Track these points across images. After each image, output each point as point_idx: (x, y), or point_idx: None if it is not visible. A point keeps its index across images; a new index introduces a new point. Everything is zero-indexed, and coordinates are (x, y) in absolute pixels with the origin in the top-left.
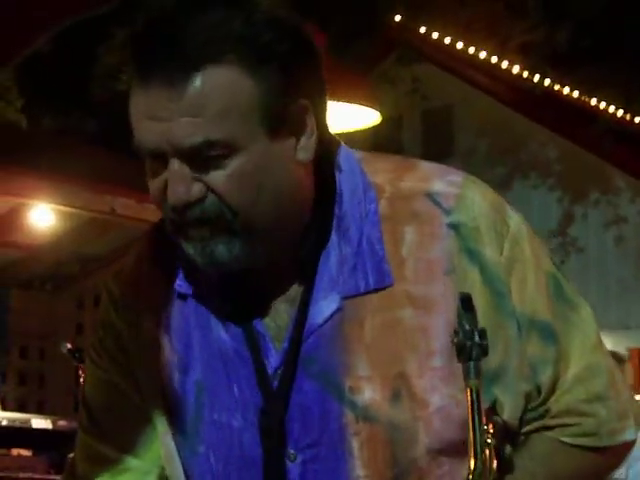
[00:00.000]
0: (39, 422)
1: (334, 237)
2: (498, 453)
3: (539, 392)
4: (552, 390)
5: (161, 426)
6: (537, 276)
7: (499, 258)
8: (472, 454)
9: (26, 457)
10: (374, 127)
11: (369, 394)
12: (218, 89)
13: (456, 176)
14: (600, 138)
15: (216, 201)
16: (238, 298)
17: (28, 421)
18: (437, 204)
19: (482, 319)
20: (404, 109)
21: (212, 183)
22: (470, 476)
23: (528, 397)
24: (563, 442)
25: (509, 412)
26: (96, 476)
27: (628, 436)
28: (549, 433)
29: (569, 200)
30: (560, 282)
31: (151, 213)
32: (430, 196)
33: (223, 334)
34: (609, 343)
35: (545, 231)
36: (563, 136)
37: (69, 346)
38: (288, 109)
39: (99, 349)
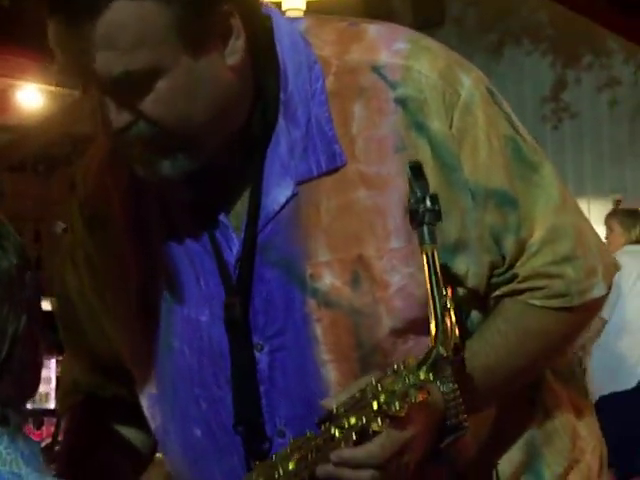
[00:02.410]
0: None
1: (282, 122)
2: (462, 318)
3: (504, 259)
4: (518, 255)
5: (127, 332)
6: (491, 143)
7: (448, 131)
8: (432, 318)
9: None
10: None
11: (329, 280)
12: (128, 18)
13: (403, 43)
14: (591, 0)
15: (149, 125)
16: (198, 193)
17: None
18: (383, 78)
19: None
20: None
21: (141, 108)
22: (433, 339)
23: (492, 266)
24: (533, 305)
25: (473, 280)
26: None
27: (597, 292)
28: (519, 297)
29: (562, 65)
30: (519, 144)
31: None
32: (376, 69)
33: (188, 229)
34: (604, 208)
35: (538, 97)
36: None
37: (63, 226)
38: (209, 21)
39: (67, 260)
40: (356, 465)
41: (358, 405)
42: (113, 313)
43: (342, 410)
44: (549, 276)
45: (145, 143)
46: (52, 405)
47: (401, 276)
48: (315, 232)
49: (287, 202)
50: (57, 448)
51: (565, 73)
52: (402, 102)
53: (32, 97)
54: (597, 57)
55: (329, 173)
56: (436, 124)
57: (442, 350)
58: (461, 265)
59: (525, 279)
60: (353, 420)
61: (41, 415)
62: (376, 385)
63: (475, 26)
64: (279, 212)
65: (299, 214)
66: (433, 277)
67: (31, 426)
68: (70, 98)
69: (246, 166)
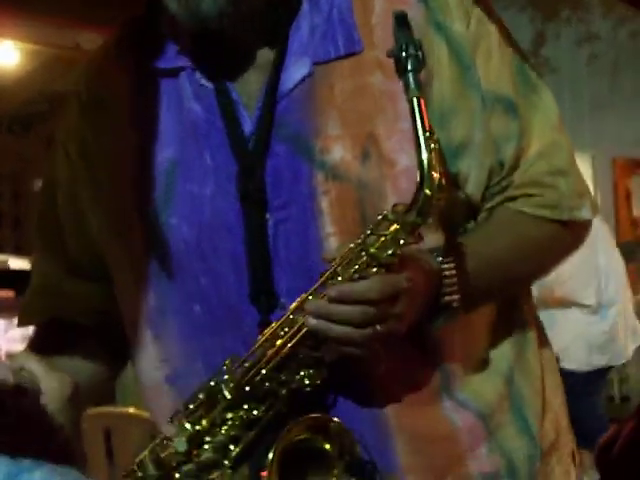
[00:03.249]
0: (17, 263)
1: (305, 6)
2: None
3: (502, 167)
4: (515, 165)
5: (120, 219)
6: (502, 54)
7: (466, 32)
8: (418, 160)
9: (7, 298)
10: None
11: (339, 153)
12: None
13: None
14: None
15: None
16: (210, 68)
17: (6, 262)
18: None
19: (447, 90)
20: None
21: None
22: (419, 182)
23: (491, 172)
24: (525, 213)
25: (473, 186)
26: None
27: (585, 213)
28: (512, 204)
29: (541, 19)
30: (523, 65)
31: None
32: None
33: (195, 106)
34: (585, 161)
35: None
36: None
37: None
38: None
39: (60, 151)
40: (352, 299)
41: (354, 257)
42: (106, 202)
43: (340, 265)
44: (543, 185)
45: None
46: None
47: (408, 157)
48: (328, 109)
49: (303, 80)
50: None
51: (544, 28)
52: (424, 1)
53: (6, 55)
54: (575, 11)
55: (346, 57)
56: (456, 25)
57: (428, 191)
58: (464, 167)
59: (519, 186)
60: (349, 273)
61: None
62: (368, 235)
63: None
64: (294, 89)
65: (313, 93)
66: (419, 121)
67: None
68: (45, 55)
69: (266, 45)
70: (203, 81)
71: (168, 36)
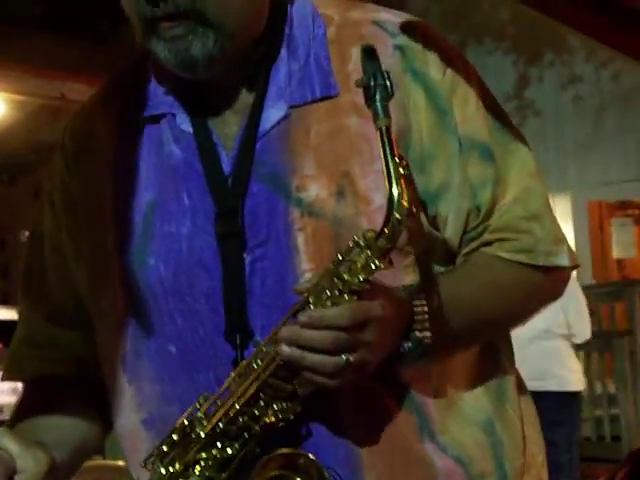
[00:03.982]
0: (4, 313)
1: (284, 53)
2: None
3: (479, 211)
4: (491, 210)
5: (98, 265)
6: (478, 101)
7: (442, 79)
8: (388, 185)
9: None
10: None
11: (315, 190)
12: None
13: (403, 13)
14: None
15: None
16: (190, 111)
17: None
18: (384, 29)
19: (426, 135)
20: None
21: None
22: (387, 208)
23: (469, 216)
24: (501, 258)
25: (451, 229)
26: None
27: (562, 260)
28: (488, 249)
29: (524, 63)
30: (501, 114)
31: None
32: (377, 23)
33: (175, 150)
34: (569, 201)
35: (502, 95)
36: None
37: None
38: None
39: (46, 202)
40: (323, 325)
41: (326, 284)
42: (88, 251)
43: (312, 293)
44: (518, 230)
45: (179, 15)
46: None
47: (384, 195)
48: (304, 150)
49: (279, 122)
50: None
51: (528, 71)
52: (401, 49)
53: None
54: (559, 54)
55: (322, 100)
56: (432, 72)
57: (398, 216)
58: (442, 210)
59: (495, 231)
60: (321, 300)
61: None
62: (340, 261)
63: (437, 25)
64: (270, 130)
65: (290, 134)
66: (387, 148)
67: None
68: (31, 106)
69: (244, 89)
70: (183, 126)
71: (152, 82)
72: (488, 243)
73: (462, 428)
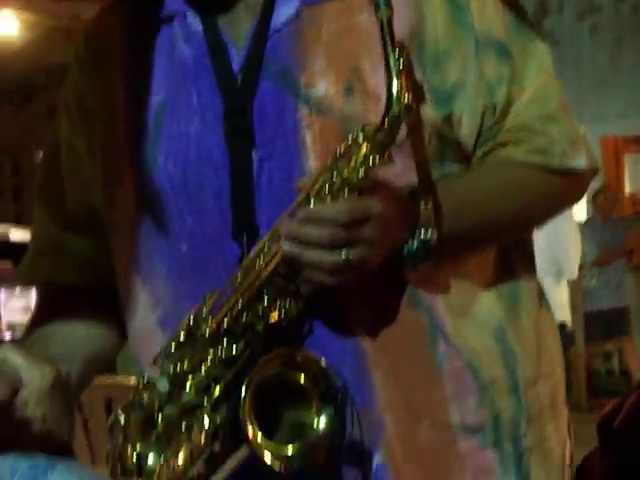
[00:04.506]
0: (17, 234)
1: None
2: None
3: (494, 111)
4: (507, 109)
5: (111, 164)
6: (496, 0)
7: None
8: (387, 79)
9: (7, 269)
10: None
11: (323, 87)
12: None
13: None
14: None
15: None
16: (201, 10)
17: (6, 233)
18: None
19: (441, 32)
20: None
21: None
22: (387, 101)
23: (484, 115)
24: (515, 159)
25: (465, 129)
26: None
27: (579, 162)
28: (502, 151)
29: None
30: (521, 14)
31: None
32: None
33: (185, 49)
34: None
35: None
36: None
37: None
38: None
39: (62, 110)
40: (321, 220)
41: (326, 181)
42: (100, 152)
43: (312, 189)
44: (533, 131)
45: None
46: None
47: None
48: (314, 48)
49: (290, 20)
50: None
51: (547, 0)
52: None
53: (7, 24)
54: None
55: None
56: None
57: (396, 109)
58: (457, 109)
59: (509, 131)
60: (320, 197)
61: None
62: (339, 158)
63: None
64: (282, 28)
65: (301, 32)
66: (388, 41)
67: None
68: (44, 26)
69: None
70: (193, 25)
71: None
72: (503, 144)
73: (474, 333)
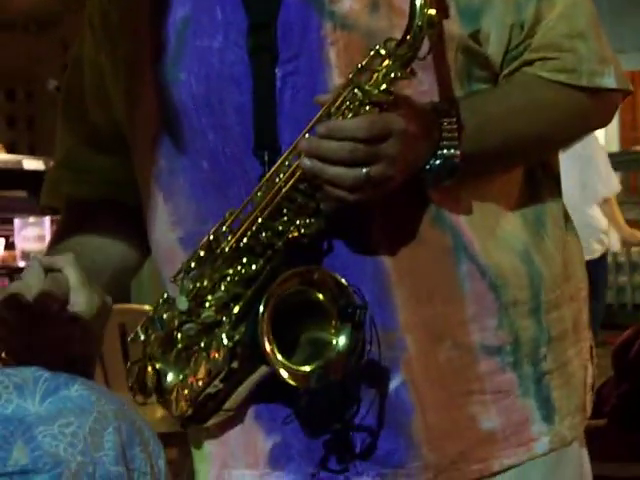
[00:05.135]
0: (31, 163)
1: None
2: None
3: (522, 28)
4: (535, 26)
5: (135, 85)
6: None
7: None
8: None
9: (21, 198)
10: None
11: (348, 2)
12: None
13: None
14: None
15: None
16: None
17: (20, 162)
18: None
19: None
20: None
21: None
22: (409, 15)
23: (512, 32)
24: (542, 77)
25: (493, 45)
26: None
27: (608, 81)
28: (529, 69)
29: None
30: None
31: None
32: None
33: None
34: None
35: None
36: None
37: (56, 83)
38: None
39: (86, 26)
40: (341, 136)
41: (347, 96)
42: (124, 70)
43: (333, 104)
44: (561, 49)
45: None
46: None
47: None
48: None
49: None
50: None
51: None
52: None
53: None
54: None
55: None
56: None
57: (419, 22)
58: (485, 26)
59: (537, 49)
60: (341, 111)
61: None
62: (360, 71)
63: None
64: None
65: None
66: None
67: None
68: None
69: None
70: None
71: None
72: (530, 62)
73: (501, 253)
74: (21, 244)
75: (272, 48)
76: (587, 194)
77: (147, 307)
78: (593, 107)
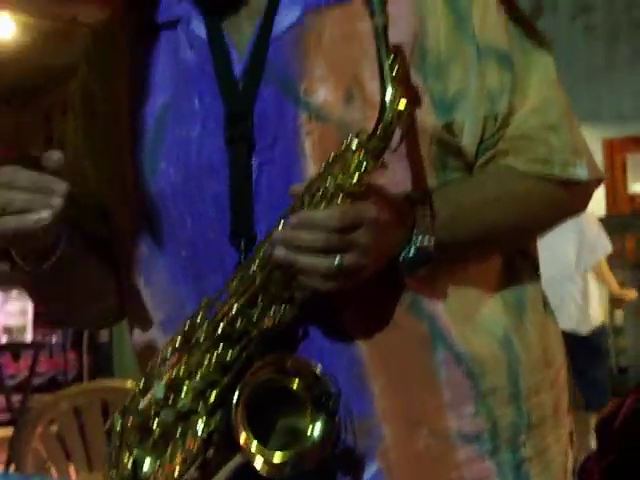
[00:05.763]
0: None
1: None
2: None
3: (496, 120)
4: (508, 119)
5: (113, 167)
6: (499, 6)
7: None
8: (381, 85)
9: (3, 271)
10: None
11: (323, 94)
12: None
13: None
14: None
15: None
16: (205, 14)
17: None
18: None
19: (443, 41)
20: None
21: None
22: (380, 107)
23: (485, 124)
24: (516, 168)
25: (467, 137)
26: None
27: (580, 172)
28: (502, 159)
29: None
30: (523, 18)
31: None
32: None
33: (189, 54)
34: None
35: None
36: None
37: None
38: None
39: (69, 108)
40: (314, 226)
41: (320, 187)
42: (103, 154)
43: (307, 195)
44: (534, 139)
45: None
46: (29, 338)
47: None
48: (315, 54)
49: (292, 26)
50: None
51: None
52: None
53: (4, 27)
54: None
55: (337, 5)
56: None
57: (390, 115)
58: (459, 118)
59: (511, 139)
60: (314, 202)
61: (18, 348)
62: (333, 163)
63: None
64: (283, 34)
65: (302, 38)
66: (382, 47)
67: (10, 358)
68: (43, 28)
69: None
70: (197, 30)
71: None
72: (503, 153)
73: (480, 339)
74: (3, 319)
75: (248, 137)
76: (583, 261)
77: (129, 383)
78: (566, 197)
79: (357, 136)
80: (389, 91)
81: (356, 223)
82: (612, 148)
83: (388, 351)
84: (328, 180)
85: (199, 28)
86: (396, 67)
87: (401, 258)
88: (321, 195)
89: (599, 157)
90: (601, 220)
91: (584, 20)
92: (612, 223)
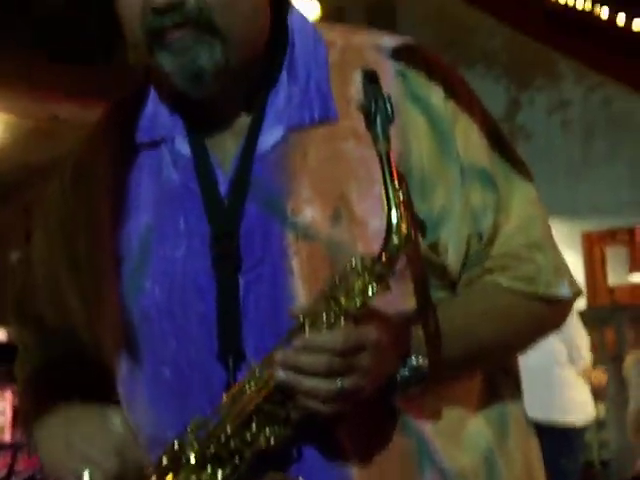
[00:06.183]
0: None
1: (284, 75)
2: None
3: (481, 239)
4: (493, 237)
5: (95, 290)
6: (480, 128)
7: (444, 105)
8: (387, 210)
9: None
10: (315, 20)
11: (310, 214)
12: None
13: (406, 37)
14: (543, 24)
15: (197, 6)
16: (189, 133)
17: None
18: (385, 54)
19: (426, 160)
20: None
21: None
22: (386, 233)
23: (470, 243)
24: (502, 285)
25: (452, 256)
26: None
27: (563, 291)
28: (489, 277)
29: (515, 87)
30: (503, 139)
31: (95, 118)
32: (379, 47)
33: (173, 174)
34: (560, 229)
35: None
36: (507, 23)
37: (19, 255)
38: None
39: (40, 228)
40: (317, 349)
41: (322, 309)
42: (83, 274)
43: (308, 317)
44: (519, 258)
45: (188, 25)
46: (7, 438)
47: (381, 220)
48: (300, 174)
49: (276, 145)
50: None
51: (519, 95)
52: (402, 74)
53: None
54: (548, 79)
55: (321, 124)
56: (434, 98)
57: (396, 240)
58: (443, 237)
59: (496, 258)
60: (316, 325)
61: None
62: (336, 286)
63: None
64: (268, 154)
65: (287, 157)
66: (387, 173)
67: None
68: (23, 127)
69: (242, 111)
70: (181, 149)
71: (152, 107)
72: (489, 271)
73: (465, 457)
74: None
75: (235, 257)
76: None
77: None
78: (548, 313)
79: (362, 260)
80: (394, 217)
81: (359, 347)
82: (591, 241)
83: (379, 471)
84: (331, 303)
85: (183, 146)
86: (400, 193)
87: (397, 378)
88: (324, 318)
89: (578, 250)
90: (581, 313)
91: (561, 115)
92: (592, 316)
